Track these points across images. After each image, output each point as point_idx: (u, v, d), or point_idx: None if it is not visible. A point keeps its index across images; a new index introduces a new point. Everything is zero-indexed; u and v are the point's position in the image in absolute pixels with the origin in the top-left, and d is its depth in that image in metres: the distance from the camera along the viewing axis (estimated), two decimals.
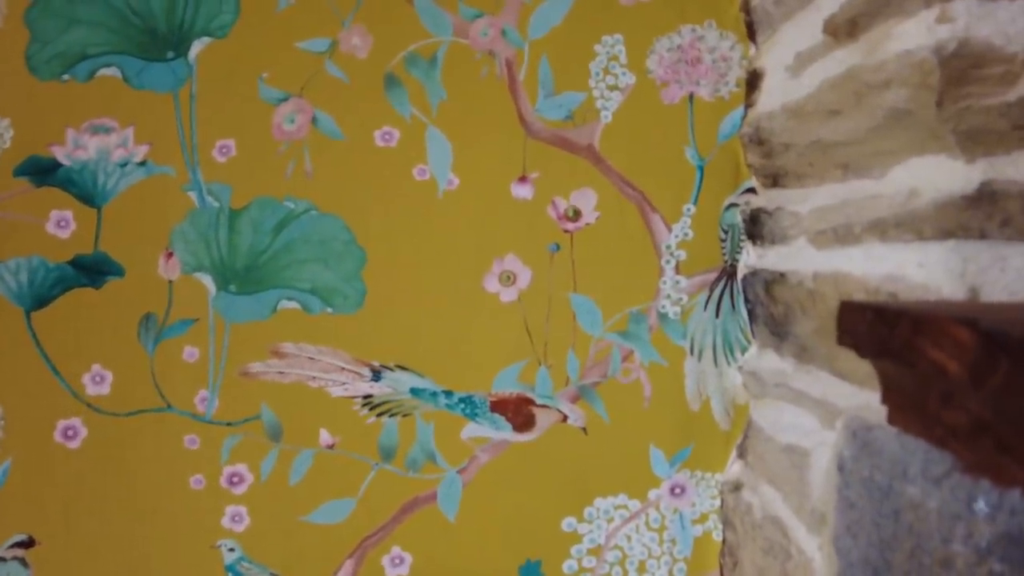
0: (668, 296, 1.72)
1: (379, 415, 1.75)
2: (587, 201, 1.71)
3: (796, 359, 1.47)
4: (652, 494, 1.74)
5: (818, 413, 1.35)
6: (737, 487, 1.67)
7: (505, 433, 1.74)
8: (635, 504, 1.74)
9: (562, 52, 1.71)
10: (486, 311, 1.73)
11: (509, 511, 1.74)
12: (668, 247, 1.71)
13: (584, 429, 1.73)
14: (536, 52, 1.71)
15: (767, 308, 1.57)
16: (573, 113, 1.72)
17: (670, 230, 1.71)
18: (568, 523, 1.74)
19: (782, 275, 1.46)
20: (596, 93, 1.71)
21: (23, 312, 1.77)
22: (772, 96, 1.52)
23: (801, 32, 1.39)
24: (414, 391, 1.75)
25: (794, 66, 1.41)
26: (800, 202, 1.44)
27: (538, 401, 1.73)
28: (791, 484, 1.41)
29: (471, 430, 1.75)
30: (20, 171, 1.76)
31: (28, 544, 1.78)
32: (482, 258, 1.73)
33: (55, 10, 1.76)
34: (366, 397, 1.75)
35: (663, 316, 1.72)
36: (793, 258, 1.44)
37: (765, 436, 1.58)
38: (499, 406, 1.74)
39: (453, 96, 1.73)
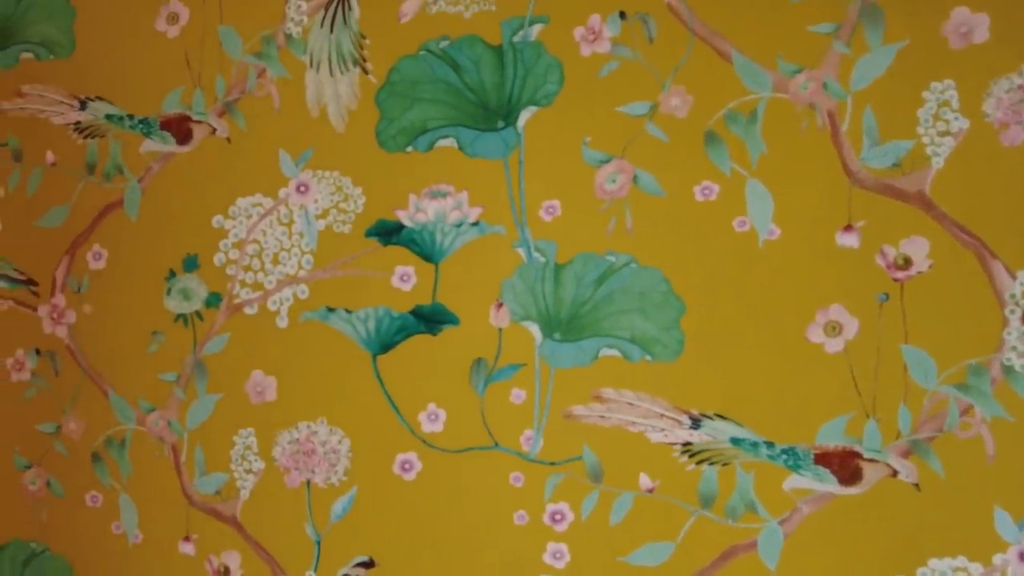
0: (1014, 348, 1.00)
1: (698, 463, 1.13)
2: (919, 249, 1.05)
3: None
4: (997, 559, 0.99)
5: None
6: None
7: (830, 486, 1.06)
8: (977, 568, 1.00)
9: (887, 101, 1.05)
10: (809, 362, 1.05)
11: (834, 565, 1.04)
12: (1012, 296, 1.01)
13: (917, 485, 1.01)
14: (859, 102, 1.07)
15: None
16: (901, 161, 1.06)
17: (1014, 278, 1.01)
18: None
19: None
20: (926, 140, 1.05)
21: (371, 356, 1.25)
22: None
23: None
24: (734, 440, 1.11)
25: None
26: None
27: (866, 455, 1.06)
28: None
29: (794, 481, 1.08)
30: (370, 232, 1.25)
31: (369, 565, 1.24)
32: (805, 308, 1.07)
33: (401, 91, 1.25)
34: (685, 444, 1.13)
35: (1008, 369, 0.99)
36: None
37: None
38: (824, 458, 1.08)
39: (773, 149, 1.10)
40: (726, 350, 1.08)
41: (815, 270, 1.05)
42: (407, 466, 1.19)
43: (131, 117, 1.34)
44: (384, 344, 1.21)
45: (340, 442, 1.22)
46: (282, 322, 1.24)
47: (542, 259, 1.14)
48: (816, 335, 1.05)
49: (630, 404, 1.10)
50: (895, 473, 1.02)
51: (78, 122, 1.37)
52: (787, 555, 1.05)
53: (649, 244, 1.10)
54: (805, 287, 1.05)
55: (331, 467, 1.22)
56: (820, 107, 1.06)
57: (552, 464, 1.13)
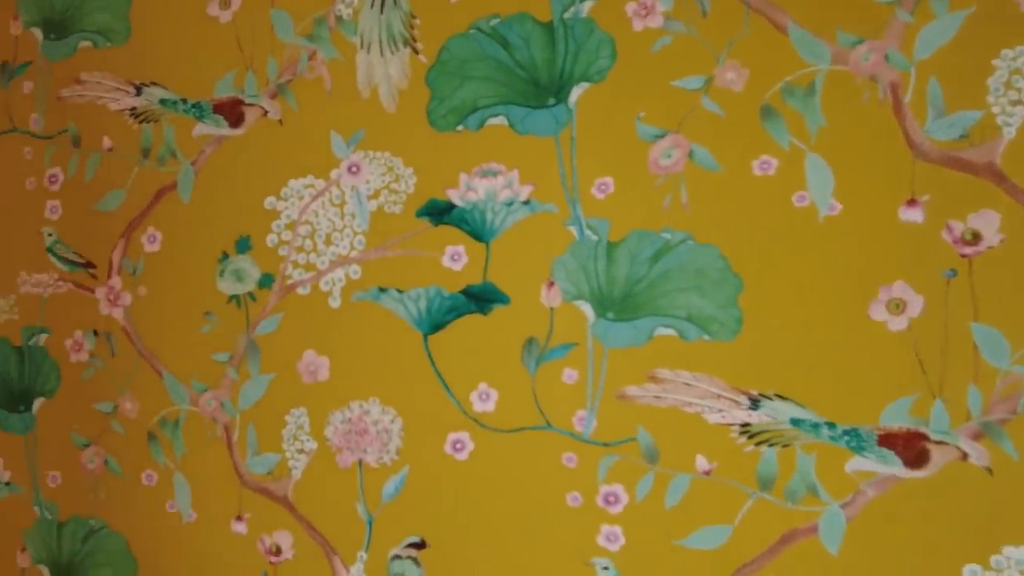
0: None
1: (757, 444, 1.10)
2: (988, 223, 1.00)
3: None
4: None
5: None
6: None
7: (894, 468, 1.01)
8: None
9: (953, 70, 1.01)
10: (872, 340, 1.01)
11: (899, 550, 1.00)
12: None
13: (989, 469, 0.97)
14: (923, 73, 1.03)
15: None
16: (969, 131, 1.02)
17: None
18: (970, 570, 0.97)
19: None
20: (996, 109, 0.99)
21: (422, 335, 1.24)
22: None
23: None
24: (794, 421, 1.08)
25: None
26: None
27: (933, 437, 1.02)
28: None
29: (856, 463, 1.03)
30: (421, 212, 1.24)
31: (421, 546, 1.23)
32: (867, 285, 1.03)
33: (451, 70, 1.24)
34: (744, 425, 1.10)
35: None
36: None
37: None
38: (888, 440, 1.03)
39: (833, 122, 1.07)
40: (786, 328, 1.04)
41: (877, 246, 1.01)
42: (459, 446, 1.18)
43: (184, 101, 1.35)
44: (435, 324, 1.20)
45: (392, 421, 1.21)
46: (334, 302, 1.24)
47: (595, 237, 1.12)
48: (879, 313, 1.01)
49: (687, 384, 1.08)
50: (965, 456, 0.98)
51: (134, 107, 1.39)
52: (850, 540, 1.02)
53: (706, 220, 1.08)
54: (867, 264, 1.02)
55: (383, 447, 1.21)
56: (882, 78, 1.02)
57: (606, 445, 1.11)
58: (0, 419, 1.46)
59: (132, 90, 1.39)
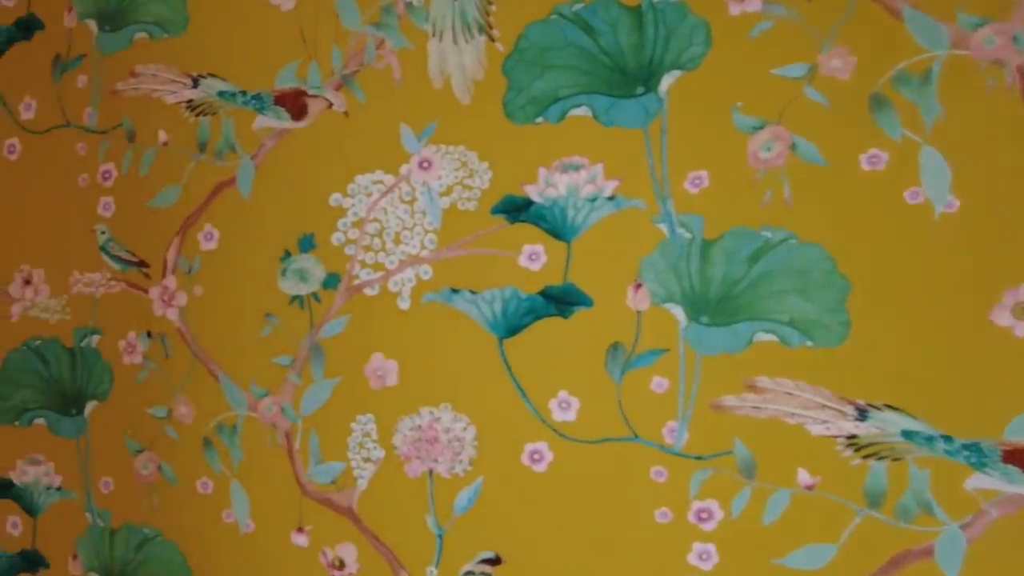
0: None
1: (865, 457, 1.03)
2: None
3: None
4: None
5: None
6: None
7: (1022, 487, 0.97)
8: None
9: None
10: (995, 347, 0.93)
11: None
12: None
13: None
14: None
15: None
16: None
17: None
18: None
19: None
20: None
21: (497, 339, 1.17)
22: None
23: None
24: (906, 434, 1.00)
25: None
26: None
27: None
28: None
29: (977, 481, 0.96)
30: (497, 209, 1.18)
31: (495, 562, 1.17)
32: (989, 287, 0.95)
33: (530, 58, 1.17)
34: (850, 437, 1.02)
35: None
36: None
37: None
38: (1014, 456, 0.95)
39: (951, 112, 0.99)
40: (897, 334, 0.97)
41: (1001, 245, 0.94)
42: (537, 456, 1.11)
43: (244, 93, 1.30)
44: (511, 327, 1.13)
45: (465, 430, 1.15)
46: (404, 304, 1.18)
47: (687, 235, 1.06)
48: (1003, 318, 0.94)
49: (788, 394, 1.01)
50: None
51: (190, 100, 1.33)
52: (971, 564, 0.94)
53: (810, 218, 1.00)
54: (989, 264, 0.94)
55: (455, 456, 1.15)
56: (1009, 63, 0.94)
57: (699, 459, 1.04)
58: (52, 422, 1.42)
59: (189, 82, 1.34)
